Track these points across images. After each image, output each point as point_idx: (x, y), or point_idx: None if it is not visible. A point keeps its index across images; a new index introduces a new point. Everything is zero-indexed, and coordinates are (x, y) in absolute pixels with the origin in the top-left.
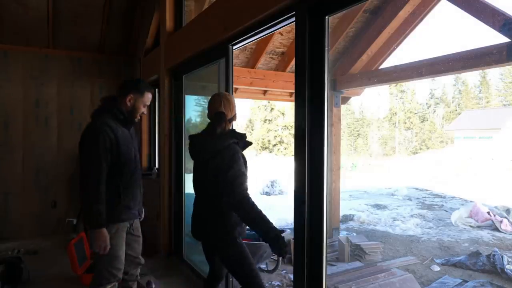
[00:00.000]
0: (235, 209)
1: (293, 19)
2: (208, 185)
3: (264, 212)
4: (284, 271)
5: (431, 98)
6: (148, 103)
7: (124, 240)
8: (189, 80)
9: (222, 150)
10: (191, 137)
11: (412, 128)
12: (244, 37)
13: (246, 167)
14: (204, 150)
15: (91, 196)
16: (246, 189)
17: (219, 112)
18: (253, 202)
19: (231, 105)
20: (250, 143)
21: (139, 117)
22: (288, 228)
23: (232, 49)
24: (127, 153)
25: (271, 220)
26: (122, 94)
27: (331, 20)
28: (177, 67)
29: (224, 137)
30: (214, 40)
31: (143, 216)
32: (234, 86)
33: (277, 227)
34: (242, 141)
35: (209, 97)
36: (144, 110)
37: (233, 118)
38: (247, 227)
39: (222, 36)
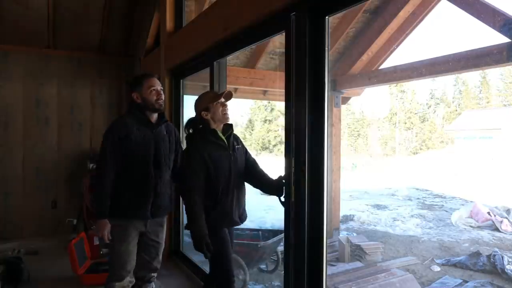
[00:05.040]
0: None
1: (293, 19)
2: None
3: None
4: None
5: (431, 98)
6: (155, 85)
7: (130, 240)
8: (189, 80)
9: (185, 150)
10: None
11: (412, 128)
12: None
13: (211, 161)
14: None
15: (98, 189)
16: (192, 186)
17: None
18: (194, 201)
19: (198, 108)
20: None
21: (162, 104)
22: None
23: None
24: (139, 152)
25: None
26: (129, 95)
27: (331, 20)
28: (177, 68)
29: (190, 136)
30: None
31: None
32: (234, 86)
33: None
34: (207, 138)
35: None
36: (156, 95)
37: (204, 116)
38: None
39: (222, 35)
